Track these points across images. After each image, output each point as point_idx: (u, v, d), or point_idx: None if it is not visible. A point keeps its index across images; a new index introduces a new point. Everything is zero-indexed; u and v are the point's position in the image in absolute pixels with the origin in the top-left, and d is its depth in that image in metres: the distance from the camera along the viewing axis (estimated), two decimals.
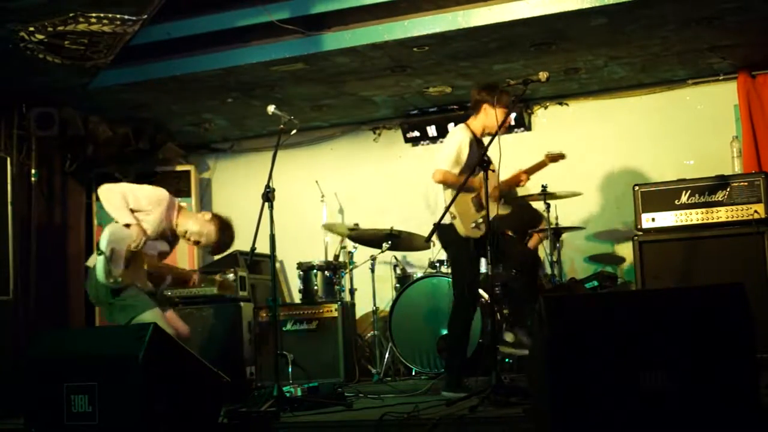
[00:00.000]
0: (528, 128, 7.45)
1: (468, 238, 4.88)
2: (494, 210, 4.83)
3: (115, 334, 4.00)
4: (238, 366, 5.84)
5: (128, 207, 4.79)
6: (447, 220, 4.81)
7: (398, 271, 6.53)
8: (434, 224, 4.71)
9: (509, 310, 5.65)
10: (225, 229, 5.03)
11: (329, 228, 7.04)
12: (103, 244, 4.63)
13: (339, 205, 7.80)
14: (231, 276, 5.52)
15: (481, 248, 4.89)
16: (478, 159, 4.73)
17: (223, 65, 6.26)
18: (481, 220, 4.86)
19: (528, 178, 5.25)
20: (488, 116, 4.97)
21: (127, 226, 4.72)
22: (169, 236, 5.03)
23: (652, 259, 5.79)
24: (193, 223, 4.97)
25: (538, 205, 6.64)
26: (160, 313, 4.71)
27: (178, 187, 7.77)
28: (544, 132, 7.45)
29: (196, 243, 5.01)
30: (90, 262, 4.80)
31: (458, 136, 5.01)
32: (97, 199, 7.21)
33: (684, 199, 5.84)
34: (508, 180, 5.19)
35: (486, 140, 4.77)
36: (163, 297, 5.05)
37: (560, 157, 5.46)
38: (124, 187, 4.91)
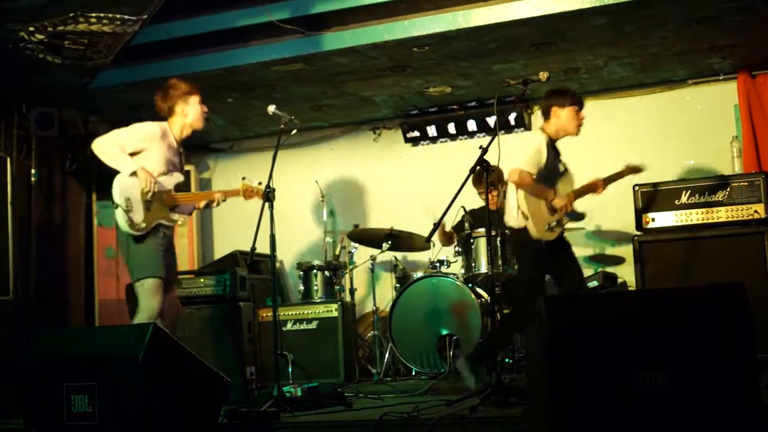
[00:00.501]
0: (528, 128, 7.44)
1: (539, 241, 4.93)
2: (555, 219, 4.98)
3: (115, 334, 3.99)
4: (238, 366, 5.84)
5: (126, 153, 4.74)
6: (521, 223, 4.91)
7: (398, 271, 6.53)
8: (434, 224, 4.72)
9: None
10: (190, 87, 4.98)
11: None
12: (116, 197, 4.64)
13: (339, 205, 7.80)
14: (253, 182, 5.11)
15: (554, 252, 4.98)
16: (552, 165, 4.98)
17: (223, 65, 6.26)
18: (555, 223, 4.95)
19: (605, 187, 5.28)
20: (559, 118, 5.02)
21: (134, 173, 4.70)
22: (177, 163, 4.96)
23: (652, 259, 5.80)
24: (182, 119, 4.91)
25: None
26: (159, 284, 4.65)
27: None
28: None
29: (203, 116, 4.98)
30: (115, 217, 4.76)
31: (537, 137, 5.07)
32: (98, 198, 7.29)
33: (684, 199, 5.85)
34: (585, 187, 5.21)
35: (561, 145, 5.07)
36: (173, 275, 4.94)
37: (639, 170, 5.48)
38: (117, 135, 4.80)
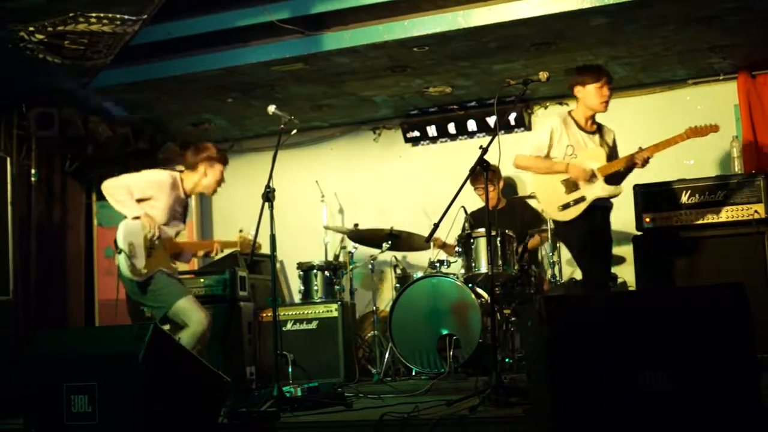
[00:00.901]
0: (528, 128, 7.44)
1: (567, 222, 5.03)
2: (597, 191, 4.97)
3: (115, 334, 3.99)
4: (238, 366, 5.84)
5: (134, 198, 4.94)
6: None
7: (398, 271, 6.53)
8: (434, 224, 4.71)
9: None
10: (221, 156, 5.22)
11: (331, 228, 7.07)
12: (120, 242, 4.86)
13: (339, 205, 7.80)
14: (248, 236, 5.43)
15: (577, 234, 5.02)
16: (572, 144, 5.03)
17: (223, 65, 6.27)
18: (572, 202, 4.98)
19: (647, 158, 5.07)
20: (583, 96, 5.09)
21: (137, 218, 4.82)
22: (181, 213, 5.17)
23: (652, 259, 5.79)
24: (199, 178, 5.14)
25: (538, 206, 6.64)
26: (193, 299, 4.97)
27: None
28: None
29: (218, 184, 5.21)
30: (117, 262, 4.97)
31: (549, 122, 5.18)
32: (98, 198, 7.30)
33: (684, 199, 5.84)
34: (618, 162, 5.09)
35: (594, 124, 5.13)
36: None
37: (707, 130, 5.22)
38: (126, 179, 5.03)
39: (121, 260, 4.84)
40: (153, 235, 4.89)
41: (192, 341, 4.80)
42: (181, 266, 5.41)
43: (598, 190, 5.04)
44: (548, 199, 5.15)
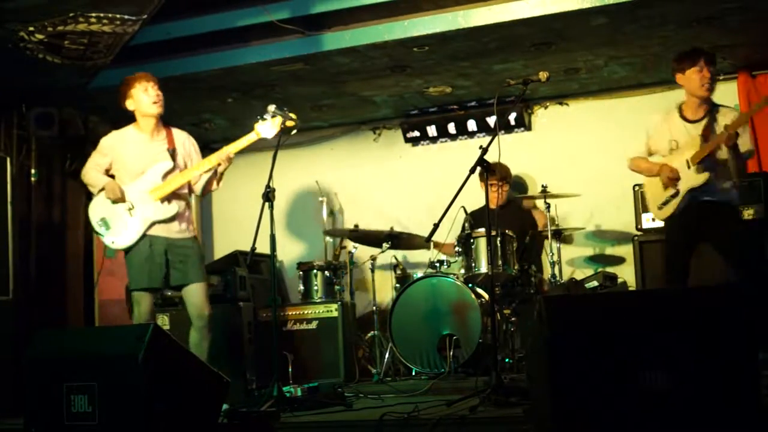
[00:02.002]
0: (528, 128, 7.45)
1: (665, 220, 4.96)
2: (690, 181, 4.81)
3: (115, 334, 3.99)
4: (238, 366, 5.84)
5: (103, 172, 4.94)
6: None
7: (398, 271, 6.53)
8: (434, 224, 4.71)
9: None
10: (131, 78, 4.96)
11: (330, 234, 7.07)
12: (93, 224, 4.89)
13: (339, 205, 7.80)
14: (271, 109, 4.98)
15: (687, 231, 4.87)
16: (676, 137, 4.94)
17: (223, 65, 6.27)
18: (668, 198, 4.90)
19: (733, 133, 4.72)
20: (685, 83, 5.00)
21: (101, 190, 4.88)
22: (159, 150, 4.93)
23: (652, 259, 5.80)
24: (137, 113, 4.96)
25: (538, 205, 6.66)
26: (142, 296, 4.85)
27: None
28: (544, 132, 7.45)
29: (151, 101, 4.91)
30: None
31: (651, 120, 5.18)
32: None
33: None
34: (708, 146, 4.80)
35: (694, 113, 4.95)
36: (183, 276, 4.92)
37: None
38: (91, 159, 5.02)
39: (102, 239, 4.87)
40: (116, 195, 4.79)
41: None
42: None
43: (690, 180, 4.83)
44: (651, 198, 5.04)
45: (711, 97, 4.93)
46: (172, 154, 4.95)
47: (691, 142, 4.88)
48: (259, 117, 4.95)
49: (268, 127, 4.92)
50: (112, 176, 4.99)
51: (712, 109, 4.92)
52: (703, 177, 4.77)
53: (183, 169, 4.95)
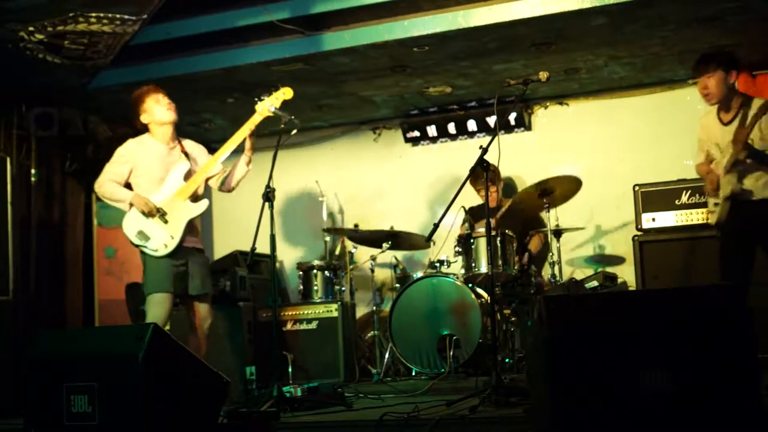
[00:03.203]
0: (528, 128, 7.45)
1: (720, 224, 4.83)
2: (725, 187, 4.66)
3: (115, 334, 3.99)
4: (238, 366, 5.84)
5: (122, 185, 4.92)
6: None
7: (398, 271, 6.53)
8: (434, 224, 4.71)
9: None
10: (146, 90, 5.05)
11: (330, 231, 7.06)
12: (132, 238, 4.84)
13: (339, 205, 7.80)
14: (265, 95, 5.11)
15: (733, 236, 4.77)
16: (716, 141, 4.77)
17: (223, 65, 6.27)
18: (714, 207, 4.82)
19: (746, 137, 4.58)
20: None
21: (131, 205, 4.86)
22: (176, 154, 5.03)
23: (652, 259, 5.80)
24: (152, 122, 5.00)
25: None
26: (166, 298, 4.85)
27: None
28: (544, 132, 7.45)
29: (168, 109, 5.02)
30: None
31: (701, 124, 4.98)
32: (98, 198, 7.29)
33: (684, 199, 5.85)
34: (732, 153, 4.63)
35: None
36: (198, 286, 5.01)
37: None
38: (107, 170, 4.97)
39: (145, 252, 4.84)
40: (149, 209, 4.81)
41: None
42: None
43: (726, 187, 4.70)
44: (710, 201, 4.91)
45: (733, 94, 4.76)
46: (187, 156, 5.10)
47: (728, 147, 4.71)
48: (256, 99, 5.10)
49: (268, 104, 5.04)
50: (129, 186, 5.01)
51: (743, 105, 4.71)
52: (734, 184, 4.67)
53: (196, 171, 5.08)
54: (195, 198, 5.00)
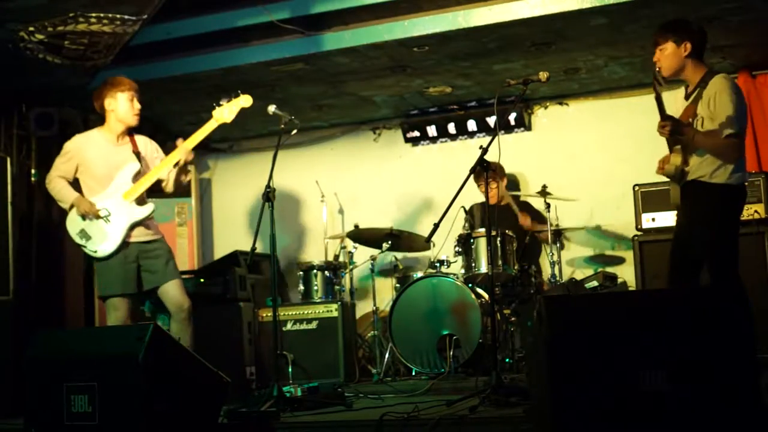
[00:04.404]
0: (528, 128, 7.45)
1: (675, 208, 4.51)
2: (671, 166, 4.25)
3: (115, 334, 4.00)
4: (238, 366, 5.84)
5: (68, 183, 4.84)
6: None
7: (398, 271, 6.53)
8: (434, 224, 4.71)
9: None
10: (118, 82, 4.92)
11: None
12: (74, 238, 4.79)
13: (339, 205, 7.80)
14: (223, 100, 5.09)
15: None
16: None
17: (223, 65, 6.27)
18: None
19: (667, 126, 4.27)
20: None
21: (71, 207, 4.80)
22: (126, 153, 4.90)
23: (652, 259, 5.80)
24: (113, 116, 4.89)
25: (539, 205, 6.65)
26: (121, 301, 4.80)
27: None
28: (544, 132, 7.45)
29: (133, 111, 4.88)
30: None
31: None
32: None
33: None
34: None
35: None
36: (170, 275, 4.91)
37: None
38: (54, 167, 4.89)
39: (85, 251, 4.79)
40: (90, 211, 4.74)
41: None
42: (181, 266, 5.29)
43: (669, 165, 4.36)
44: None
45: (693, 68, 4.41)
46: (138, 156, 4.94)
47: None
48: (214, 104, 5.05)
49: (225, 111, 5.01)
50: (77, 181, 4.92)
51: (702, 81, 4.38)
52: (675, 163, 4.32)
53: (147, 171, 4.94)
54: (141, 201, 4.88)
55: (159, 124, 7.53)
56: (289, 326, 6.20)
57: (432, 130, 7.59)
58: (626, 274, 6.47)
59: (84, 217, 4.77)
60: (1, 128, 6.49)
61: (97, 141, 4.91)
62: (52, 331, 4.75)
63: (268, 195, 4.84)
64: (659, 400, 2.91)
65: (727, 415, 2.89)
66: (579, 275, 6.69)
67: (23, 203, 6.49)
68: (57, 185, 4.86)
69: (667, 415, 2.91)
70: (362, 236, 6.63)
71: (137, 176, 4.87)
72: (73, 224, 4.82)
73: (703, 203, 4.24)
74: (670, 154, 4.36)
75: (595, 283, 5.92)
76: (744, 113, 4.32)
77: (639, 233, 6.02)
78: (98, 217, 4.77)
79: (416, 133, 7.65)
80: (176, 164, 4.90)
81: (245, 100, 5.01)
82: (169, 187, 5.04)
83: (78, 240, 4.80)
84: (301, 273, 6.45)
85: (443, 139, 7.64)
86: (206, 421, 3.87)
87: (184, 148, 4.89)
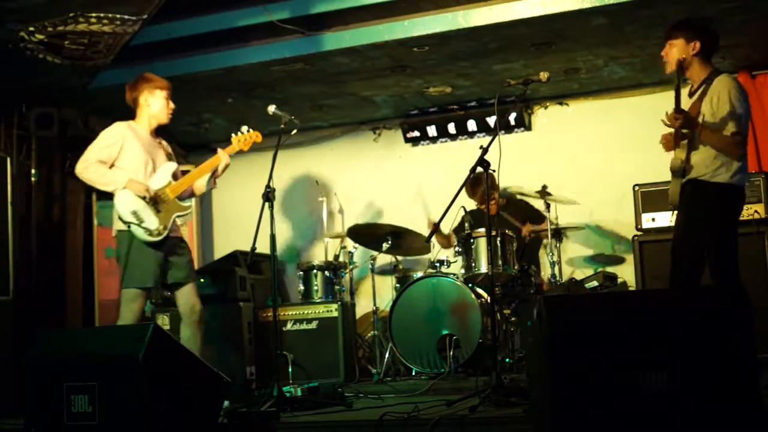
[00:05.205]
0: (528, 128, 7.45)
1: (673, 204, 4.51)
2: (675, 161, 4.30)
3: (115, 334, 4.00)
4: (238, 366, 5.84)
5: (108, 167, 4.81)
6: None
7: (398, 271, 6.53)
8: (434, 224, 4.71)
9: None
10: (157, 80, 5.02)
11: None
12: (125, 216, 4.74)
13: (339, 205, 7.81)
14: (244, 128, 5.31)
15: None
16: None
17: (223, 65, 6.27)
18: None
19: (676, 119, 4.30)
20: None
21: (124, 188, 4.78)
22: (162, 153, 5.00)
23: (652, 259, 5.80)
24: (146, 111, 4.96)
25: (539, 205, 6.66)
26: (142, 294, 4.79)
27: None
28: (544, 132, 7.45)
29: (168, 109, 5.02)
30: (114, 229, 4.87)
31: None
32: (98, 198, 7.29)
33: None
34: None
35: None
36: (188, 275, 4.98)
37: None
38: (91, 152, 4.84)
39: (136, 232, 4.72)
40: (149, 194, 4.76)
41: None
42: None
43: (673, 160, 4.43)
44: None
45: (698, 66, 4.43)
46: (169, 157, 5.06)
47: None
48: (233, 133, 5.29)
49: (241, 139, 5.25)
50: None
51: (707, 80, 4.41)
52: (680, 159, 4.38)
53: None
54: (181, 198, 4.97)
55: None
56: (289, 326, 6.20)
57: (432, 130, 7.59)
58: (626, 274, 6.47)
59: (137, 199, 4.77)
60: (1, 128, 6.49)
61: (137, 132, 4.95)
62: (52, 331, 4.75)
63: (268, 195, 4.84)
64: (659, 400, 2.91)
65: (727, 415, 2.89)
66: (579, 275, 6.69)
67: (23, 203, 6.49)
68: (100, 168, 4.80)
69: (667, 415, 2.91)
70: (362, 236, 6.63)
71: (175, 174, 4.98)
72: (125, 204, 4.76)
73: (702, 202, 4.28)
74: (672, 137, 4.41)
75: (595, 283, 5.93)
76: (747, 113, 4.37)
77: (639, 233, 6.03)
78: (154, 201, 4.79)
79: (416, 133, 7.65)
80: (214, 171, 5.08)
81: (257, 137, 5.28)
82: (201, 189, 5.15)
83: (130, 219, 4.72)
84: (301, 273, 6.45)
85: (443, 139, 7.64)
86: (206, 421, 3.88)
87: (226, 156, 5.07)
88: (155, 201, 4.80)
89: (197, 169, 5.08)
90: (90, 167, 4.79)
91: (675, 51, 4.45)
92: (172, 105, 5.04)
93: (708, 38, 4.45)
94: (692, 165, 4.31)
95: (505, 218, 6.56)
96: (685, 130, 4.32)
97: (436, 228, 4.75)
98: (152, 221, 4.77)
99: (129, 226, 4.74)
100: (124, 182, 4.77)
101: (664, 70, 4.54)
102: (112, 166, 4.84)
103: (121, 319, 4.76)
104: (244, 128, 5.27)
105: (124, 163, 4.84)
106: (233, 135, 5.25)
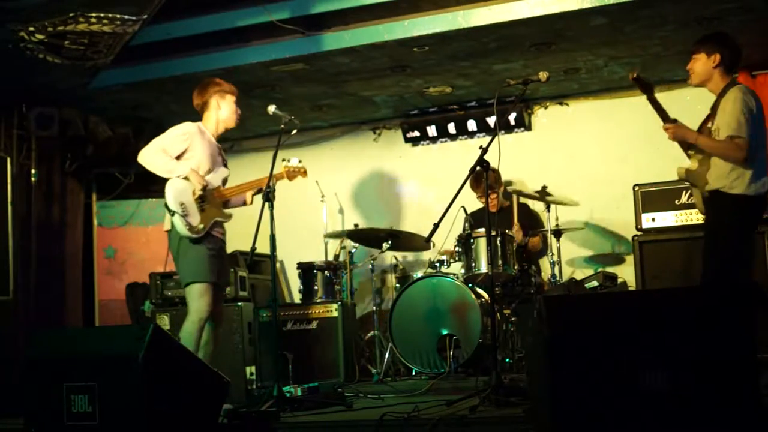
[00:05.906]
0: (528, 128, 7.45)
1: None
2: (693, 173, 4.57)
3: (115, 334, 4.00)
4: (238, 366, 5.84)
5: (173, 158, 4.87)
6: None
7: (398, 271, 6.53)
8: (434, 224, 4.71)
9: None
10: (228, 86, 5.11)
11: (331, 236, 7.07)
12: (171, 203, 4.78)
13: (339, 205, 7.81)
14: (294, 161, 5.35)
15: None
16: None
17: (223, 65, 6.26)
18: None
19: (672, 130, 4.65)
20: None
21: (185, 178, 4.83)
22: (219, 158, 5.09)
23: (652, 259, 5.80)
24: (215, 114, 5.05)
25: (538, 205, 6.66)
26: (208, 288, 4.78)
27: None
28: (544, 132, 7.45)
29: (236, 115, 5.12)
30: (166, 225, 4.88)
31: None
32: (98, 198, 7.30)
33: (684, 199, 5.85)
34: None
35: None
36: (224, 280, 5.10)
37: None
38: (158, 142, 4.93)
39: (176, 221, 4.74)
40: (203, 190, 4.82)
41: (188, 330, 4.71)
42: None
43: (691, 172, 4.69)
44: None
45: (717, 79, 4.61)
46: (225, 164, 5.16)
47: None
48: (284, 159, 5.29)
49: (290, 168, 5.30)
50: None
51: (723, 93, 4.58)
52: (699, 169, 4.59)
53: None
54: (225, 203, 5.06)
55: (159, 124, 7.53)
56: (289, 326, 6.20)
57: (432, 130, 7.59)
58: (626, 274, 6.47)
59: (188, 193, 4.81)
60: (1, 128, 6.49)
61: (207, 135, 5.04)
62: (52, 331, 4.76)
63: (268, 195, 4.85)
64: (659, 400, 2.91)
65: (727, 415, 2.89)
66: (579, 275, 6.69)
67: (23, 203, 6.50)
68: (163, 156, 4.86)
69: (667, 415, 2.91)
70: (362, 236, 6.63)
71: (225, 181, 5.07)
72: (176, 193, 4.80)
73: (720, 215, 4.50)
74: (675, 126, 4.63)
75: (595, 283, 5.93)
76: (753, 120, 4.47)
77: (639, 233, 6.03)
78: (203, 199, 4.84)
79: (416, 133, 7.65)
80: (260, 189, 5.11)
81: (304, 174, 5.41)
82: (238, 203, 5.19)
83: (176, 208, 4.75)
84: (301, 273, 6.45)
85: (443, 139, 7.64)
86: (206, 421, 3.88)
87: (276, 176, 5.07)
88: (204, 199, 4.86)
89: (246, 183, 5.13)
90: (153, 154, 4.88)
91: (698, 65, 4.66)
92: (239, 112, 5.15)
93: (728, 51, 4.63)
94: (710, 175, 4.51)
95: (508, 212, 6.56)
96: (682, 140, 4.60)
97: (436, 227, 4.74)
98: (195, 218, 4.82)
99: (173, 215, 4.76)
100: (186, 171, 4.84)
101: (689, 82, 4.76)
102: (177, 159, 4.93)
103: (194, 314, 4.74)
104: (295, 159, 5.34)
105: (190, 162, 4.90)
106: (283, 161, 5.26)
